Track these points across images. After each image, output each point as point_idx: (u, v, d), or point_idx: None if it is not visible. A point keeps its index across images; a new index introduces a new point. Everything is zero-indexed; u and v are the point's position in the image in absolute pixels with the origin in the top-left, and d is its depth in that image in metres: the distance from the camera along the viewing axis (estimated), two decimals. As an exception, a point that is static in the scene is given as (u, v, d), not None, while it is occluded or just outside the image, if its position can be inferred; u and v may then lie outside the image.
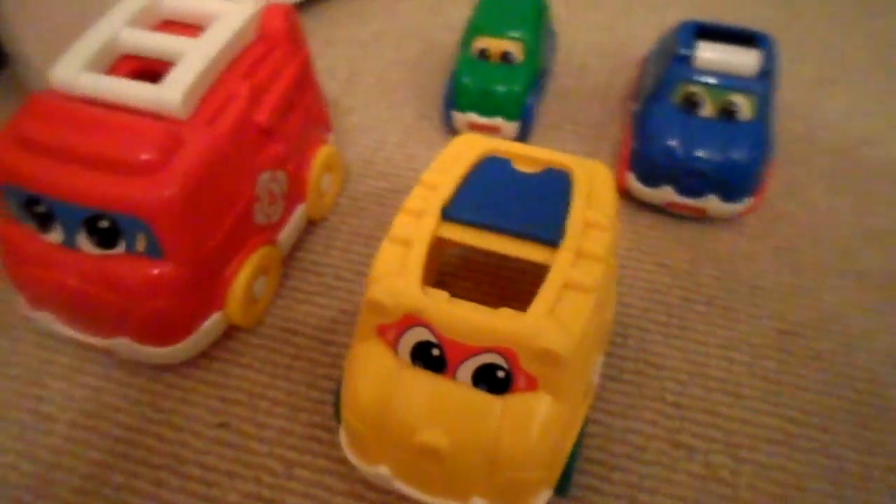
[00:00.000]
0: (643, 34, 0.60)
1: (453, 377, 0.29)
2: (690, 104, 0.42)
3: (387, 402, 0.29)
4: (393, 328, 0.30)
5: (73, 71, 0.36)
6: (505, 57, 0.47)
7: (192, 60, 0.36)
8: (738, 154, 0.41)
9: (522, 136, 0.49)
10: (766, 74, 0.41)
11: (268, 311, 0.41)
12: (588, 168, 0.34)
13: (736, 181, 0.42)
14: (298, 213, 0.43)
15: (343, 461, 0.35)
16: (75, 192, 0.33)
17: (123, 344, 0.36)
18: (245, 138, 0.37)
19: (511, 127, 0.48)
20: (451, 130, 0.51)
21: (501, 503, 0.30)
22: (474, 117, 0.48)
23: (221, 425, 0.37)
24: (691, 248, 0.44)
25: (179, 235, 0.34)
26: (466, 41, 0.48)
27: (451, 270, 0.41)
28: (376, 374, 0.30)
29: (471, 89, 0.47)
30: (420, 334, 0.29)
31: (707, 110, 0.42)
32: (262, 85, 0.38)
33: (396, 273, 0.30)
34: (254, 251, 0.38)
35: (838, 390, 0.38)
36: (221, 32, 0.37)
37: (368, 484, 0.35)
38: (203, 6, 0.39)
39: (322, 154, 0.44)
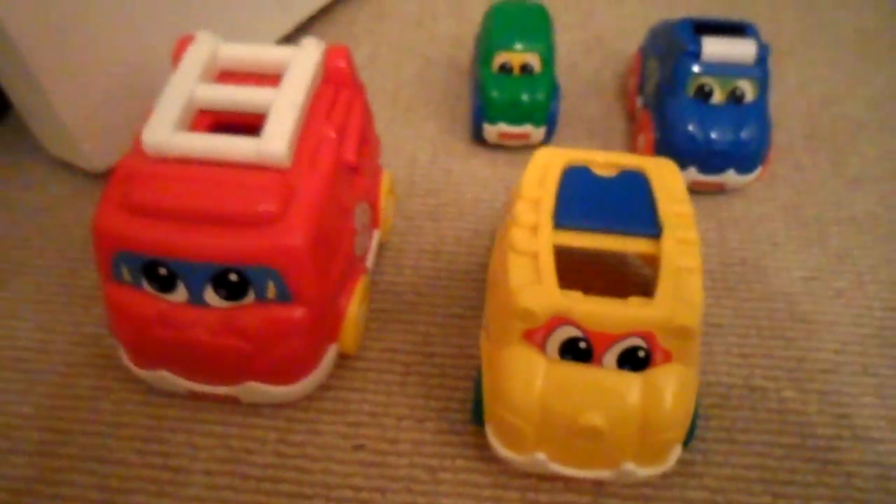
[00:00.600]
0: (612, 27, 0.66)
1: (600, 364, 0.33)
2: (703, 94, 0.48)
3: (546, 395, 0.33)
4: (540, 331, 0.34)
5: (167, 132, 0.36)
6: (524, 68, 0.52)
7: (284, 110, 0.37)
8: (749, 132, 0.47)
9: (548, 138, 0.53)
10: (763, 59, 0.48)
11: (364, 337, 0.44)
12: (658, 166, 0.39)
13: (749, 155, 0.48)
14: (376, 239, 0.45)
15: (480, 458, 0.39)
16: (202, 252, 0.34)
17: (249, 388, 0.38)
18: (341, 177, 0.39)
19: (538, 132, 0.52)
20: (481, 141, 0.54)
21: (647, 463, 0.35)
22: (504, 127, 0.52)
23: (357, 447, 0.39)
24: (714, 218, 0.51)
25: (307, 278, 0.36)
26: (487, 57, 0.52)
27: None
28: (531, 374, 0.34)
29: (499, 102, 0.51)
30: (568, 332, 0.33)
31: (717, 97, 0.48)
32: (342, 125, 0.40)
33: (534, 282, 0.34)
34: (358, 281, 0.41)
35: (861, 320, 0.46)
36: (301, 79, 0.39)
37: (511, 473, 0.38)
38: (264, 54, 0.41)
39: (385, 180, 0.46)
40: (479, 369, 0.38)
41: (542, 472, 0.36)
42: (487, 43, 0.52)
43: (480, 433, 0.38)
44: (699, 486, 0.38)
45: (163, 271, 0.35)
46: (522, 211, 0.37)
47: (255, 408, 0.41)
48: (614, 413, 0.33)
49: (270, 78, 0.40)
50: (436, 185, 0.53)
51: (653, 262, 0.36)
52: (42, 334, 0.44)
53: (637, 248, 0.36)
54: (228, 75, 0.41)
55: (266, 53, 0.41)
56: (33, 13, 0.44)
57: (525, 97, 0.51)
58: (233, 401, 0.40)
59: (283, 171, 0.36)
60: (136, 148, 0.37)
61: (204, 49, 0.40)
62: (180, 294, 0.36)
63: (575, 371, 0.33)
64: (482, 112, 0.52)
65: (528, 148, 0.50)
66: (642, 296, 0.34)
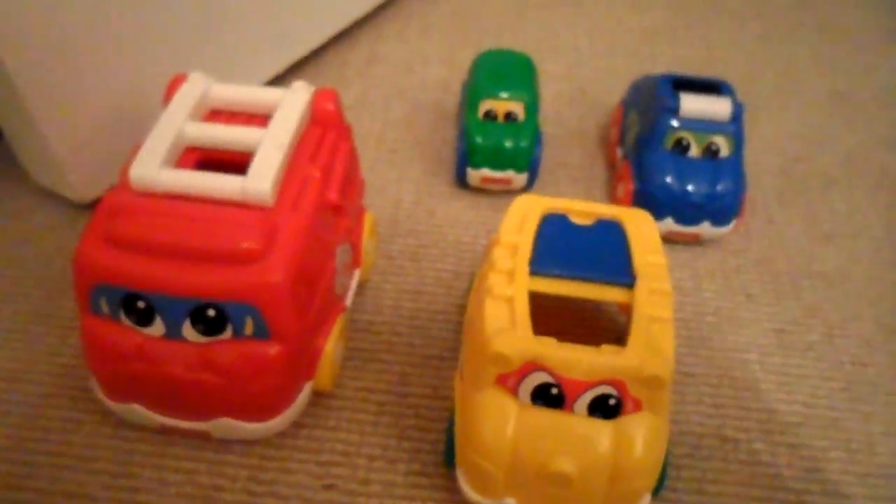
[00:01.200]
0: (596, 80, 0.68)
1: (572, 411, 0.34)
2: (681, 147, 0.50)
3: (517, 440, 0.34)
4: (513, 376, 0.34)
5: (154, 168, 0.37)
6: (508, 116, 0.53)
7: (270, 149, 0.38)
8: (724, 185, 0.49)
9: (530, 184, 0.54)
10: (737, 117, 0.50)
11: (340, 375, 0.44)
12: (634, 216, 0.40)
13: (724, 208, 0.49)
14: (356, 279, 0.46)
15: (450, 501, 0.39)
16: (181, 287, 0.35)
17: (222, 424, 0.38)
18: (323, 217, 0.40)
19: (520, 178, 0.53)
20: (464, 185, 0.55)
21: (616, 512, 0.35)
22: (487, 172, 0.53)
23: (328, 487, 0.39)
24: (690, 268, 0.52)
25: (285, 316, 0.36)
26: (473, 104, 0.53)
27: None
28: (503, 418, 0.34)
29: (483, 148, 0.52)
30: (540, 378, 0.34)
31: (694, 151, 0.50)
32: (327, 165, 0.41)
33: (508, 327, 0.34)
34: (336, 320, 0.41)
35: (831, 373, 0.46)
36: (288, 119, 0.40)
37: (481, 517, 0.38)
38: (254, 95, 0.42)
39: (368, 221, 0.47)
40: (452, 411, 0.38)
41: (513, 517, 0.36)
42: (474, 90, 0.54)
43: (451, 476, 0.38)
44: (669, 536, 0.38)
45: (141, 305, 0.35)
46: (500, 256, 0.38)
47: (227, 444, 0.41)
48: (584, 460, 0.33)
49: (259, 118, 0.41)
50: (418, 226, 0.53)
51: (627, 310, 0.37)
52: (16, 363, 0.44)
53: (611, 297, 0.37)
54: (218, 114, 0.42)
55: (256, 94, 0.42)
56: (29, 45, 0.45)
57: (508, 144, 0.52)
58: (205, 436, 0.39)
59: (267, 209, 0.37)
60: (123, 181, 0.37)
61: (195, 88, 0.41)
62: (157, 328, 0.36)
63: (546, 417, 0.34)
64: (466, 157, 0.53)
65: (511, 193, 0.52)
66: (617, 343, 0.34)
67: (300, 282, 0.37)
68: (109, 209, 0.36)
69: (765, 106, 0.67)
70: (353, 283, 0.46)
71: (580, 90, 0.67)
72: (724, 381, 0.45)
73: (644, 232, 0.40)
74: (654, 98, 0.51)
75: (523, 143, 0.52)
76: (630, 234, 0.39)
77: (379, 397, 0.43)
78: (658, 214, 0.50)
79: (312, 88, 0.43)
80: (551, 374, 0.34)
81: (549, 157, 0.59)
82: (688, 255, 0.53)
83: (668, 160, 0.49)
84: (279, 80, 0.64)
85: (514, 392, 0.34)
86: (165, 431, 0.40)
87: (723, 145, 0.49)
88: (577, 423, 0.34)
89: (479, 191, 0.56)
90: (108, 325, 0.36)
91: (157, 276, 0.35)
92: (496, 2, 0.79)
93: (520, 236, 0.38)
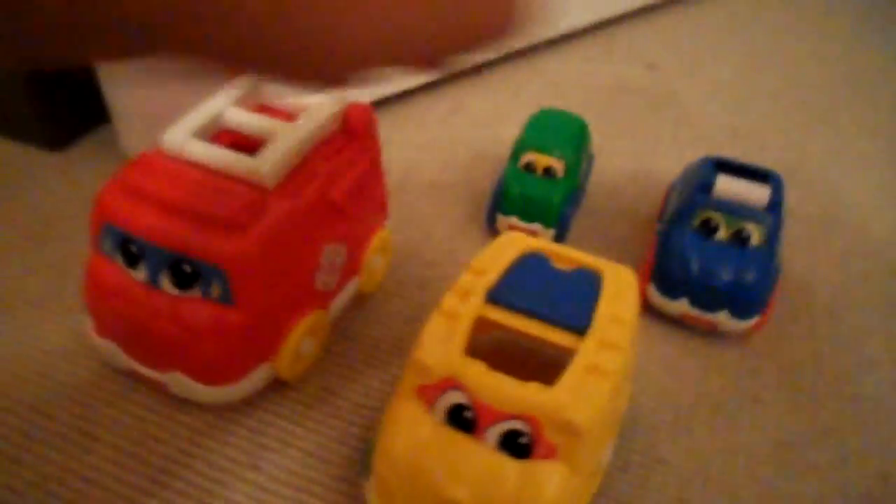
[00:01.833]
0: (665, 165, 0.66)
1: (482, 439, 0.33)
2: (708, 228, 0.47)
3: (418, 457, 0.33)
4: (432, 389, 0.34)
5: (182, 137, 0.41)
6: (547, 171, 0.53)
7: (282, 139, 0.41)
8: (746, 275, 0.46)
9: (557, 241, 0.54)
10: (775, 207, 0.47)
11: (310, 371, 0.45)
12: (616, 271, 0.39)
13: (744, 299, 0.46)
14: (351, 286, 0.47)
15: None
16: (166, 238, 0.38)
17: (176, 378, 0.40)
18: (319, 212, 0.42)
19: (547, 233, 0.53)
20: (494, 231, 0.56)
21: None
22: (515, 221, 0.53)
23: (254, 468, 0.40)
24: (701, 359, 0.48)
25: (251, 288, 0.39)
26: (516, 155, 0.54)
27: (489, 351, 0.45)
28: (411, 430, 0.33)
29: (515, 196, 0.53)
30: (456, 397, 0.33)
31: (722, 234, 0.47)
32: (339, 169, 0.44)
33: (442, 341, 0.34)
34: (309, 313, 0.43)
35: (831, 500, 0.41)
36: (310, 120, 0.43)
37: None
38: (297, 99, 0.46)
39: (379, 237, 0.49)
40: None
41: (410, 540, 0.35)
42: (519, 141, 0.55)
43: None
44: None
45: (133, 249, 0.39)
46: (464, 280, 0.38)
47: (184, 405, 0.43)
48: (482, 493, 0.32)
49: (294, 116, 0.45)
50: (438, 258, 0.54)
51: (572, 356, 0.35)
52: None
53: (556, 339, 0.35)
54: (266, 109, 0.47)
55: (298, 99, 0.46)
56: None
57: (539, 196, 0.52)
58: (162, 388, 0.42)
59: (266, 189, 0.40)
60: (159, 145, 0.42)
61: (246, 86, 0.46)
62: (141, 273, 0.39)
63: (454, 439, 0.33)
64: (498, 202, 0.54)
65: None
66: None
67: (273, 261, 0.39)
68: (135, 163, 0.41)
69: (846, 217, 0.62)
70: (348, 290, 0.47)
71: (645, 171, 0.66)
72: (697, 477, 0.41)
73: (622, 288, 0.38)
74: (695, 176, 0.50)
75: (555, 199, 0.52)
76: (605, 286, 0.38)
77: (337, 401, 0.44)
78: (672, 293, 0.48)
79: (347, 100, 0.46)
80: (469, 395, 0.33)
81: (590, 224, 0.58)
82: (702, 344, 0.49)
83: (690, 238, 0.47)
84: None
85: (431, 407, 0.34)
86: (132, 376, 0.43)
87: (754, 233, 0.46)
88: (481, 453, 0.32)
89: (508, 239, 0.56)
90: (106, 263, 0.40)
91: (149, 225, 0.38)
92: (591, 77, 0.81)
93: (491, 264, 0.38)
